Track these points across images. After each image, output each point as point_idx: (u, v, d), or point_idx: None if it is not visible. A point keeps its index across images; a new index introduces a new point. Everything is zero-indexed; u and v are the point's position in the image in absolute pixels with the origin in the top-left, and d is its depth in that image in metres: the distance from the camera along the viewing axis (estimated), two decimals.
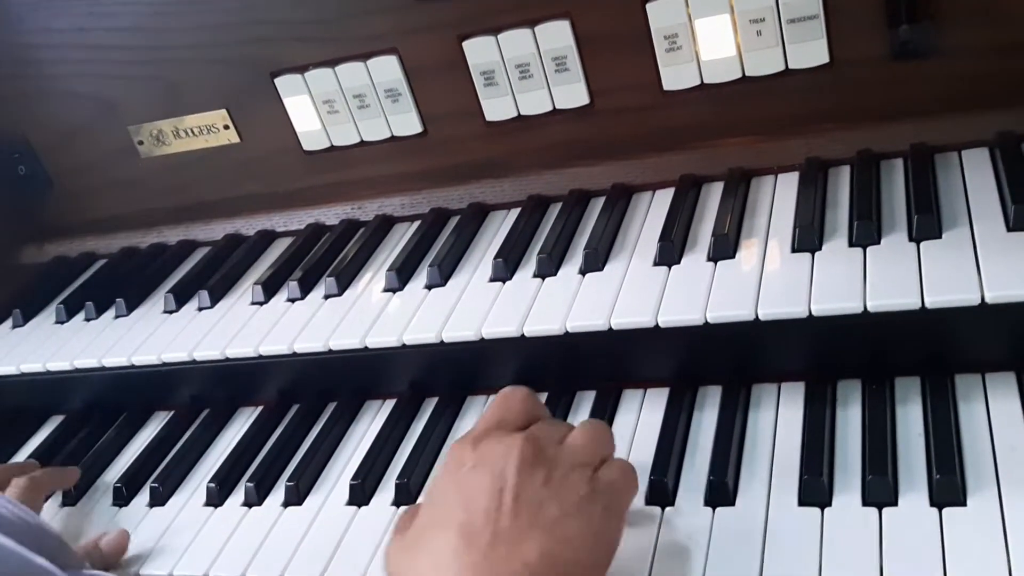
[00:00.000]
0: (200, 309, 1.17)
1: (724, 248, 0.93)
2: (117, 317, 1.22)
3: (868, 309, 0.81)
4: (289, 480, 0.97)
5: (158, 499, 1.03)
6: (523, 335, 0.94)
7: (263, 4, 1.19)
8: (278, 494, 0.98)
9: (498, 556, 0.65)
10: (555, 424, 0.77)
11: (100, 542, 0.96)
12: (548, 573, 0.65)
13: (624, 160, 1.11)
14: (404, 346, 0.99)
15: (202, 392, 1.15)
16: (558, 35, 1.09)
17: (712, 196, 1.04)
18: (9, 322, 1.30)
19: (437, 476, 0.74)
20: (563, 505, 0.68)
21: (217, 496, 1.00)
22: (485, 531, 0.66)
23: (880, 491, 0.75)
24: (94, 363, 1.15)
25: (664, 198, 1.06)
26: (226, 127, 1.30)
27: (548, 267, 1.01)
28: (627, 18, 1.05)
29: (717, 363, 0.91)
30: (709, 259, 0.94)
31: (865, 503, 0.75)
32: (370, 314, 1.04)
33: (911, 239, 0.87)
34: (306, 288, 1.13)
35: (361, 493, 0.93)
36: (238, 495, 1.00)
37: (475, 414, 1.00)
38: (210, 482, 1.01)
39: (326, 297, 1.10)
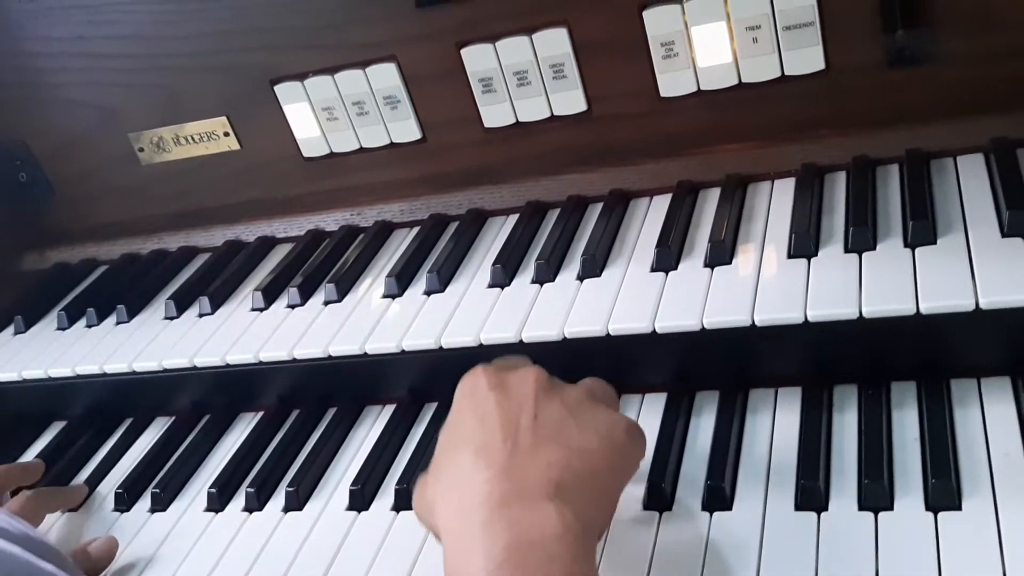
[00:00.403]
0: (201, 315, 1.18)
1: (721, 254, 0.94)
2: (118, 323, 1.22)
3: (864, 315, 0.81)
4: (289, 485, 0.97)
5: (159, 505, 1.03)
6: (521, 341, 0.95)
7: (263, 12, 1.19)
8: (278, 499, 0.98)
9: (518, 466, 0.65)
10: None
11: (89, 547, 0.96)
12: (568, 479, 0.65)
13: (621, 166, 1.12)
14: (403, 352, 1.00)
15: (203, 398, 1.16)
16: (556, 42, 1.09)
17: (709, 202, 1.05)
18: (11, 329, 1.31)
19: (453, 403, 0.74)
20: (581, 423, 0.68)
21: (218, 501, 1.01)
22: (504, 447, 0.66)
23: (876, 495, 0.75)
24: (95, 369, 1.15)
25: (661, 204, 1.07)
26: (226, 134, 1.30)
27: (546, 273, 1.01)
28: (624, 25, 1.06)
29: (714, 368, 0.92)
30: (706, 265, 0.94)
31: (861, 507, 0.75)
32: (369, 320, 1.05)
33: (906, 245, 0.87)
34: (306, 294, 1.13)
35: (361, 498, 0.94)
36: (239, 500, 1.00)
37: None
38: (211, 488, 1.02)
39: (326, 303, 1.11)
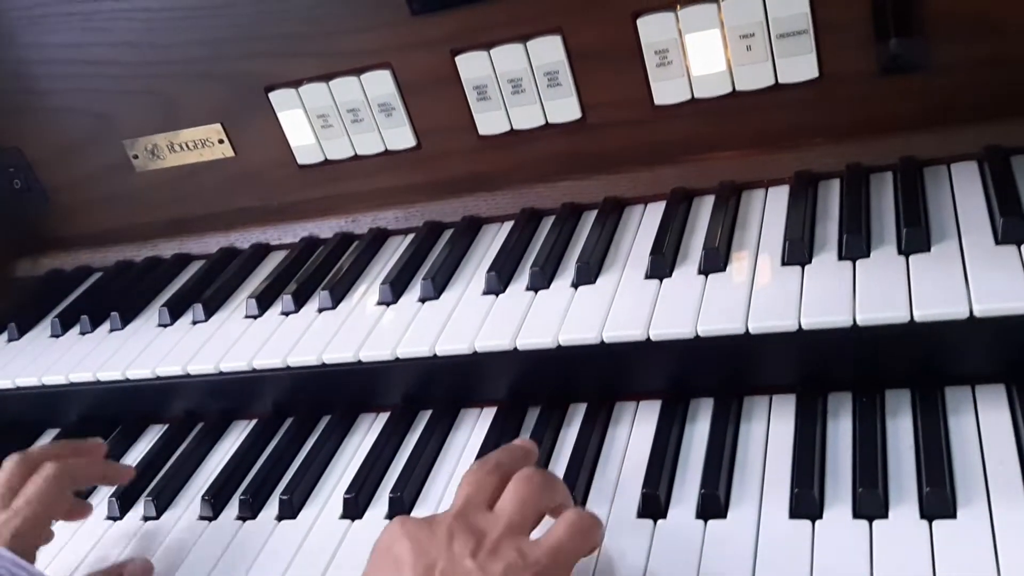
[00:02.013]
0: (195, 323, 1.18)
1: (715, 261, 0.94)
2: (112, 331, 1.22)
3: (858, 323, 0.81)
4: (283, 493, 0.97)
5: (153, 513, 1.03)
6: (516, 348, 0.94)
7: (257, 20, 1.19)
8: (272, 507, 0.98)
9: None
10: (490, 479, 0.75)
11: (124, 571, 0.94)
12: None
13: (616, 174, 1.12)
14: (398, 360, 1.00)
15: (197, 405, 1.16)
16: (550, 50, 1.09)
17: (703, 209, 1.05)
18: (4, 336, 1.31)
19: (369, 559, 0.73)
20: None
21: (212, 509, 1.00)
22: None
23: (871, 504, 0.75)
24: (89, 377, 1.15)
25: (656, 211, 1.07)
26: (221, 141, 1.30)
27: (541, 280, 1.01)
28: (618, 33, 1.06)
29: (709, 376, 0.92)
30: (700, 272, 0.94)
31: (856, 516, 0.75)
32: (364, 328, 1.05)
33: (900, 252, 0.87)
34: (300, 301, 1.13)
35: (355, 507, 0.93)
36: (232, 508, 1.00)
37: (468, 427, 1.00)
38: (205, 495, 1.01)
39: (320, 310, 1.11)
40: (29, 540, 0.87)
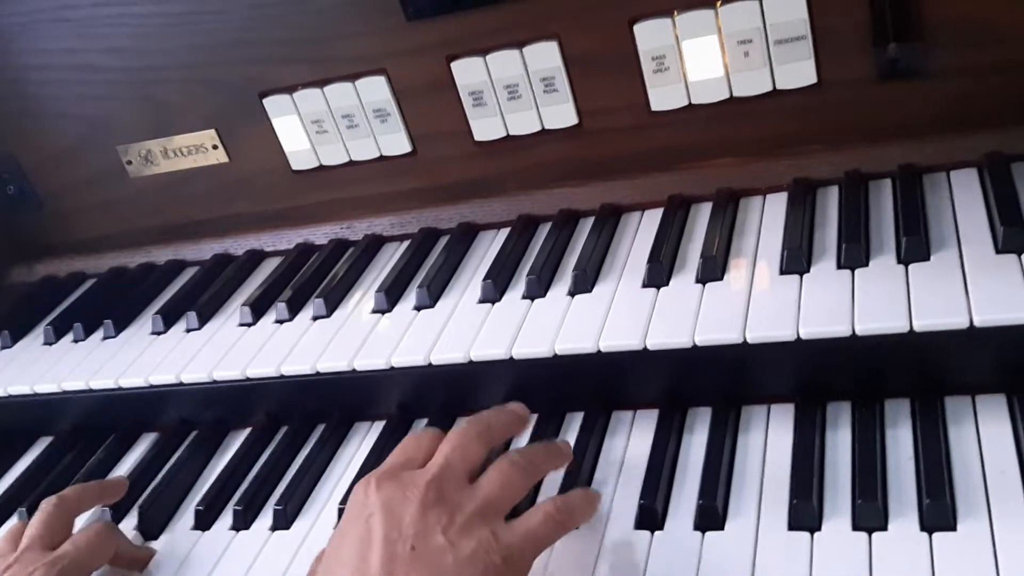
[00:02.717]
0: (188, 330, 1.17)
1: (712, 270, 0.93)
2: (105, 339, 1.21)
3: (856, 332, 0.81)
4: (277, 504, 0.96)
5: (146, 523, 1.02)
6: (512, 358, 0.94)
7: (251, 25, 1.18)
8: (266, 518, 0.97)
9: None
10: (478, 453, 0.75)
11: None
12: None
13: (613, 180, 1.11)
14: (392, 369, 0.99)
15: (190, 414, 1.15)
16: (546, 56, 1.09)
17: (701, 216, 1.04)
18: None
19: (341, 520, 0.73)
20: (458, 555, 0.66)
21: (205, 519, 0.99)
22: None
23: (870, 516, 0.74)
24: (82, 386, 1.14)
25: (653, 218, 1.06)
26: (215, 147, 1.30)
27: (537, 289, 1.00)
28: (615, 39, 1.06)
29: (707, 385, 0.91)
30: (697, 281, 0.93)
31: (855, 528, 0.75)
32: (358, 336, 1.04)
33: (899, 261, 0.87)
34: (294, 309, 1.12)
35: None
36: (226, 519, 0.99)
37: None
38: (198, 505, 1.00)
39: (314, 318, 1.10)
40: None
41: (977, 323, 0.77)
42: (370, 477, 0.73)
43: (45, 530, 0.90)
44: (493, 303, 1.02)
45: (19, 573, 0.84)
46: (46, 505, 0.93)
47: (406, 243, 1.20)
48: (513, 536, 0.69)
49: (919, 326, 0.79)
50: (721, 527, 0.79)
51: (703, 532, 0.79)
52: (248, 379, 1.05)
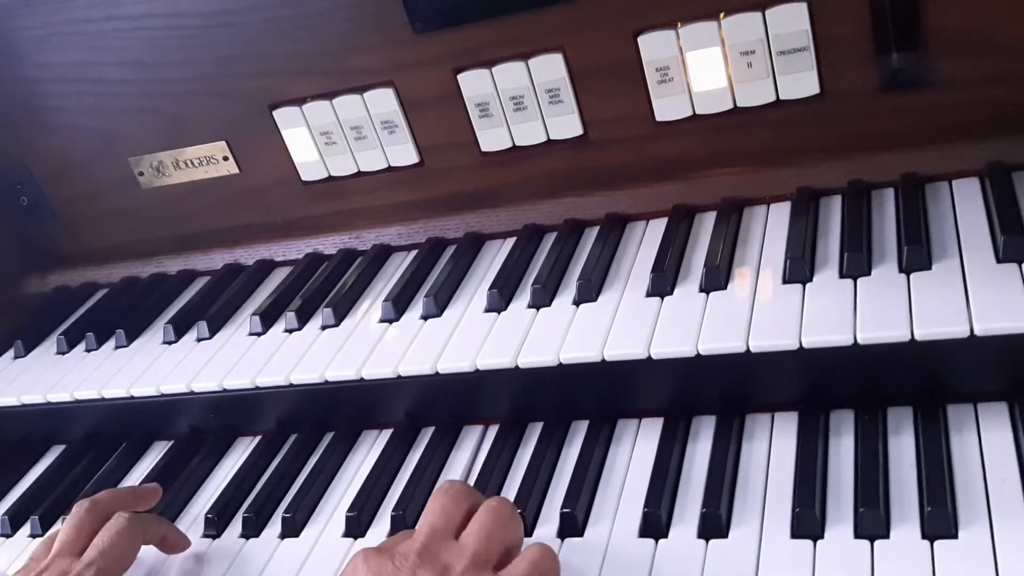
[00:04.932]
0: (199, 340, 1.18)
1: (716, 279, 0.94)
2: (117, 348, 1.23)
3: (859, 341, 0.81)
4: (286, 511, 0.97)
5: None
6: (517, 366, 0.95)
7: (262, 38, 1.20)
8: (275, 526, 0.98)
9: None
10: (458, 505, 0.75)
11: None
12: None
13: (618, 190, 1.12)
14: (400, 377, 1.00)
15: (201, 422, 1.16)
16: (551, 68, 1.10)
17: (705, 226, 1.05)
18: (11, 353, 1.31)
19: None
20: None
21: (215, 527, 1.00)
22: None
23: (872, 523, 0.75)
24: (94, 395, 1.16)
25: (657, 228, 1.07)
26: (225, 158, 1.31)
27: (542, 298, 1.01)
28: (619, 51, 1.07)
29: (710, 394, 0.92)
30: (701, 290, 0.94)
31: (857, 535, 0.75)
32: (366, 345, 1.05)
33: (901, 270, 0.87)
34: (303, 318, 1.14)
35: (357, 525, 0.94)
36: (236, 526, 1.00)
37: (470, 444, 1.00)
38: (208, 513, 1.01)
39: (323, 328, 1.11)
40: None
41: (978, 332, 0.78)
42: (360, 552, 0.73)
43: (76, 535, 0.91)
44: (499, 312, 1.03)
45: None
46: (78, 509, 0.93)
47: (414, 252, 1.21)
48: None
49: (920, 335, 0.79)
50: (725, 535, 0.79)
51: (707, 540, 0.79)
52: (258, 388, 1.07)
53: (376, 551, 0.73)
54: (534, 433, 0.97)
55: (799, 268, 0.91)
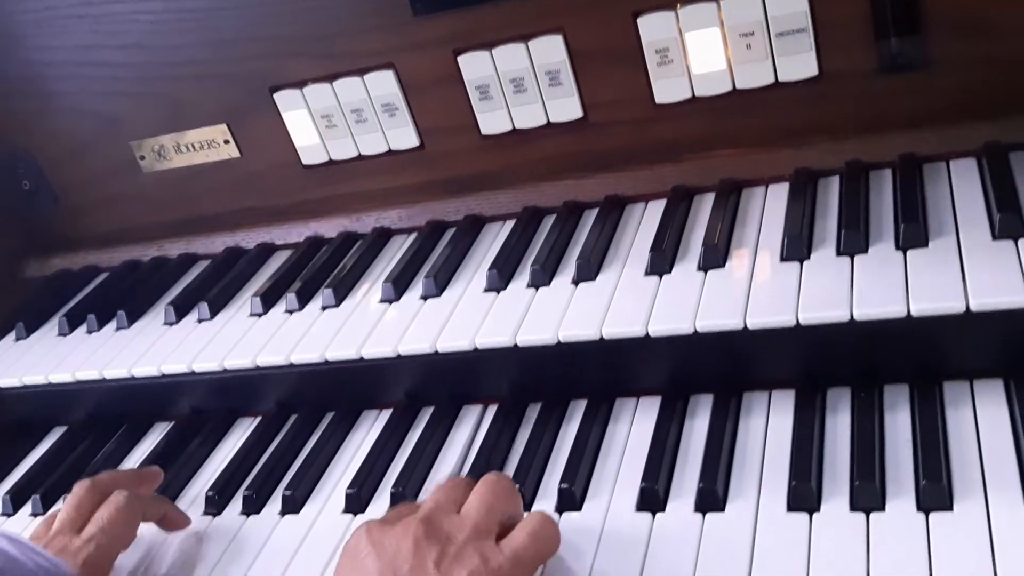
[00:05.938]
0: (200, 321, 1.19)
1: (714, 258, 0.94)
2: (118, 329, 1.23)
3: (855, 318, 0.82)
4: (287, 489, 0.98)
5: None
6: (516, 345, 0.95)
7: (262, 21, 1.20)
8: (276, 503, 0.99)
9: None
10: (458, 488, 0.77)
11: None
12: None
13: (617, 172, 1.12)
14: (400, 357, 1.01)
15: (202, 403, 1.17)
16: (551, 50, 1.10)
17: (703, 207, 1.05)
18: (12, 335, 1.32)
19: (337, 565, 0.74)
20: None
21: (216, 505, 1.01)
22: None
23: (868, 497, 0.75)
24: (95, 375, 1.16)
25: (656, 209, 1.08)
26: (226, 142, 1.32)
27: (542, 277, 1.02)
28: (619, 33, 1.07)
29: (708, 371, 0.92)
30: (699, 269, 0.95)
31: (853, 508, 0.76)
32: (366, 325, 1.05)
33: (898, 248, 0.88)
34: (304, 300, 1.14)
35: (357, 502, 0.94)
36: (236, 504, 1.01)
37: (470, 423, 1.01)
38: (209, 491, 1.02)
39: (323, 308, 1.12)
40: (99, 568, 0.88)
41: (974, 308, 0.78)
42: (364, 524, 0.74)
43: (76, 513, 0.91)
44: (498, 292, 1.03)
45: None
46: (78, 488, 0.94)
47: (414, 235, 1.21)
48: (503, 557, 0.70)
49: (917, 311, 0.80)
50: (721, 509, 0.80)
51: (704, 514, 0.80)
52: (258, 368, 1.07)
53: (379, 522, 0.74)
54: (533, 412, 0.98)
55: (796, 246, 0.91)
